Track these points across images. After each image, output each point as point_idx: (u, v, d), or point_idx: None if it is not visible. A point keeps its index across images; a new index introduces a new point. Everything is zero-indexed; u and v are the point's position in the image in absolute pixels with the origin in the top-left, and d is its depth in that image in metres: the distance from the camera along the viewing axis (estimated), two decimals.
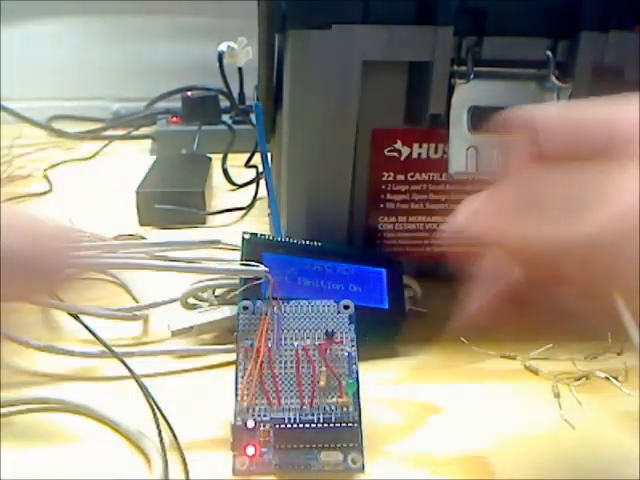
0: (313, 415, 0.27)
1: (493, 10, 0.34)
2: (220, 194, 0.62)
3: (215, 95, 0.78)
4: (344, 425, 0.26)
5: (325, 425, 0.26)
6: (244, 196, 0.58)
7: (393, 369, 0.34)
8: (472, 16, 0.34)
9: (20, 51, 0.93)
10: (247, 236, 0.35)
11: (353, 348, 0.28)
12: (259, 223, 0.54)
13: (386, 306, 0.34)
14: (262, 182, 0.56)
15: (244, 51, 0.71)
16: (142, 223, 0.53)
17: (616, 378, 0.33)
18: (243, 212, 0.56)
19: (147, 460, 0.27)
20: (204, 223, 0.54)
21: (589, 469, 0.27)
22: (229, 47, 0.70)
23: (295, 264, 0.34)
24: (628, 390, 0.32)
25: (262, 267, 0.31)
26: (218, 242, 0.47)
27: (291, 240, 0.36)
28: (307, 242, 0.36)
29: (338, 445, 0.26)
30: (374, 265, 0.36)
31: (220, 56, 0.69)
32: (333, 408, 0.27)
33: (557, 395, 0.32)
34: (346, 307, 0.29)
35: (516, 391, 0.32)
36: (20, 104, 0.85)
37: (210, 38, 0.75)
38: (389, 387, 0.32)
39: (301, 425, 0.26)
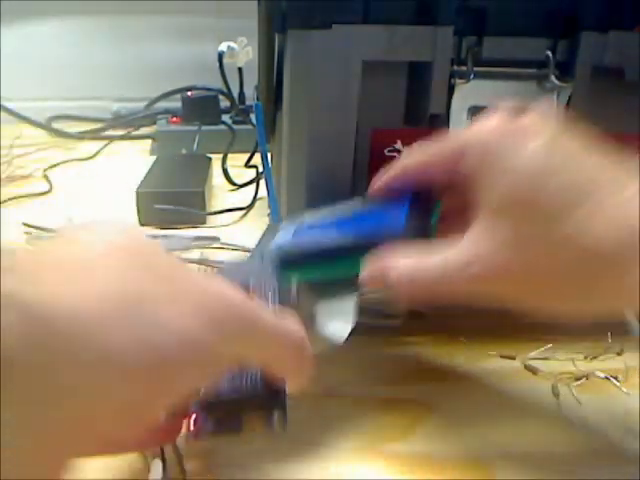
0: (240, 380, 0.26)
1: (493, 10, 0.34)
2: (220, 194, 0.62)
3: (215, 95, 0.78)
4: (268, 389, 0.26)
5: (251, 389, 0.26)
6: (244, 196, 0.58)
7: (393, 369, 0.34)
8: (472, 16, 0.34)
9: (20, 51, 0.93)
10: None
11: (275, 295, 0.28)
12: (259, 223, 0.54)
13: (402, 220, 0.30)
14: (262, 182, 0.56)
15: (244, 51, 0.71)
16: (142, 223, 0.53)
17: (616, 378, 0.33)
18: (243, 212, 0.56)
19: (146, 460, 0.27)
20: (204, 223, 0.54)
21: (589, 469, 0.27)
22: (229, 47, 0.70)
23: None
24: (628, 390, 0.32)
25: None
26: (217, 239, 0.48)
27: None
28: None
29: (263, 407, 0.26)
30: (397, 204, 0.31)
31: (220, 56, 0.69)
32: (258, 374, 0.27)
33: (557, 395, 0.32)
34: (268, 254, 0.29)
35: (516, 391, 0.32)
36: (20, 104, 0.85)
37: (210, 38, 0.75)
38: (389, 387, 0.32)
39: (229, 391, 0.26)
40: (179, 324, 0.19)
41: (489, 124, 0.26)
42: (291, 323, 0.24)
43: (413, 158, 0.30)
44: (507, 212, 0.25)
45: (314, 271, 0.31)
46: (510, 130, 0.26)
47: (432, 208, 0.31)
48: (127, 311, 0.18)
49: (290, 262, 0.31)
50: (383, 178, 0.31)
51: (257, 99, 0.43)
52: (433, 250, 0.27)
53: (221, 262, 0.44)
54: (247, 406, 0.26)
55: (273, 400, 0.26)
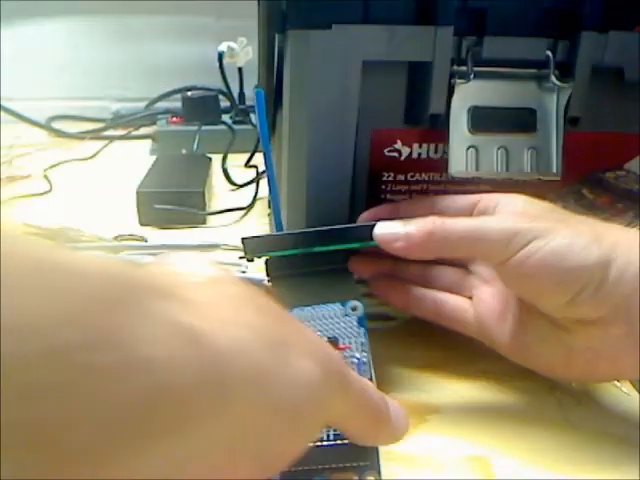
0: (323, 431, 0.23)
1: (493, 10, 0.34)
2: (220, 194, 0.62)
3: (215, 95, 0.78)
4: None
5: (337, 442, 0.23)
6: (244, 196, 0.58)
7: (392, 370, 0.34)
8: (472, 16, 0.33)
9: (20, 51, 0.93)
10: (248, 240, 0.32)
11: (364, 353, 0.25)
12: (259, 223, 0.54)
13: None
14: (262, 182, 0.56)
15: (244, 51, 0.71)
16: (142, 223, 0.53)
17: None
18: (243, 212, 0.56)
19: None
20: (204, 223, 0.54)
21: (589, 469, 0.27)
22: (229, 47, 0.70)
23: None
24: (628, 390, 0.32)
25: (260, 276, 0.30)
26: (217, 246, 0.48)
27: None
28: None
29: (351, 464, 0.23)
30: None
31: (220, 56, 0.69)
32: None
33: (557, 395, 0.32)
34: (354, 309, 0.26)
35: (516, 391, 0.32)
36: (20, 104, 0.85)
37: (210, 38, 0.75)
38: (388, 388, 0.32)
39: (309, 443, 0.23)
40: (307, 377, 0.18)
41: None
42: (372, 387, 0.22)
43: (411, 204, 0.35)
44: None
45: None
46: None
47: None
48: (278, 360, 0.18)
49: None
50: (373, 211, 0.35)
51: (257, 86, 0.43)
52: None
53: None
54: (333, 461, 0.23)
55: (362, 452, 0.23)
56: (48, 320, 0.12)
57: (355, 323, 0.26)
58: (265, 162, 0.41)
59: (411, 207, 0.35)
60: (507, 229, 0.27)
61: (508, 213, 0.30)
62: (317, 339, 0.21)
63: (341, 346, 0.26)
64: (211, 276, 0.20)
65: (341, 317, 0.26)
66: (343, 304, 0.27)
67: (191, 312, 0.16)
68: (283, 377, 0.18)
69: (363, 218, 0.36)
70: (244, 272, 0.35)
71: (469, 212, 0.32)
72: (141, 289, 0.15)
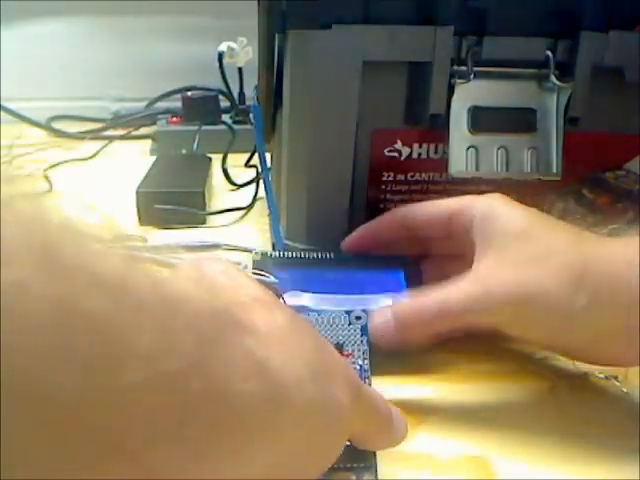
0: None
1: (493, 10, 0.34)
2: (220, 194, 0.62)
3: (215, 95, 0.78)
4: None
5: None
6: (244, 196, 0.58)
7: (392, 369, 0.34)
8: (472, 16, 0.34)
9: (20, 51, 0.93)
10: (257, 257, 0.34)
11: (365, 361, 0.27)
12: (259, 223, 0.54)
13: None
14: (262, 182, 0.56)
15: (244, 51, 0.71)
16: (142, 223, 0.53)
17: (616, 378, 0.33)
18: (243, 212, 0.56)
19: None
20: (204, 223, 0.54)
21: (590, 468, 0.27)
22: (229, 47, 0.70)
23: (308, 275, 0.34)
24: (628, 390, 0.32)
25: (271, 278, 0.31)
26: (217, 246, 0.48)
27: (301, 255, 0.36)
28: (319, 255, 0.35)
29: (349, 465, 0.24)
30: (391, 269, 0.35)
31: (220, 56, 0.69)
32: None
33: (556, 395, 0.32)
34: (358, 318, 0.27)
35: (516, 391, 0.32)
36: (20, 104, 0.85)
37: (210, 38, 0.75)
38: (388, 387, 0.32)
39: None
40: (341, 401, 0.20)
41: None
42: (379, 395, 0.24)
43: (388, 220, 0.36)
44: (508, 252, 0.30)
45: None
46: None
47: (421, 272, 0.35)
48: (323, 390, 0.20)
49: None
50: (356, 235, 0.36)
51: (257, 100, 0.43)
52: (430, 292, 0.30)
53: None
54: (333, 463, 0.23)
55: (360, 454, 0.24)
56: (154, 349, 0.13)
57: (359, 331, 0.27)
58: (262, 168, 0.41)
59: (387, 227, 0.36)
60: (498, 301, 0.29)
61: (489, 266, 0.30)
62: (341, 360, 0.23)
63: (345, 353, 0.27)
64: (256, 297, 0.22)
65: (346, 325, 0.27)
66: (348, 313, 0.28)
67: (261, 345, 0.18)
68: (325, 404, 0.19)
69: (347, 243, 0.36)
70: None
71: (445, 224, 0.33)
72: (229, 324, 0.17)
